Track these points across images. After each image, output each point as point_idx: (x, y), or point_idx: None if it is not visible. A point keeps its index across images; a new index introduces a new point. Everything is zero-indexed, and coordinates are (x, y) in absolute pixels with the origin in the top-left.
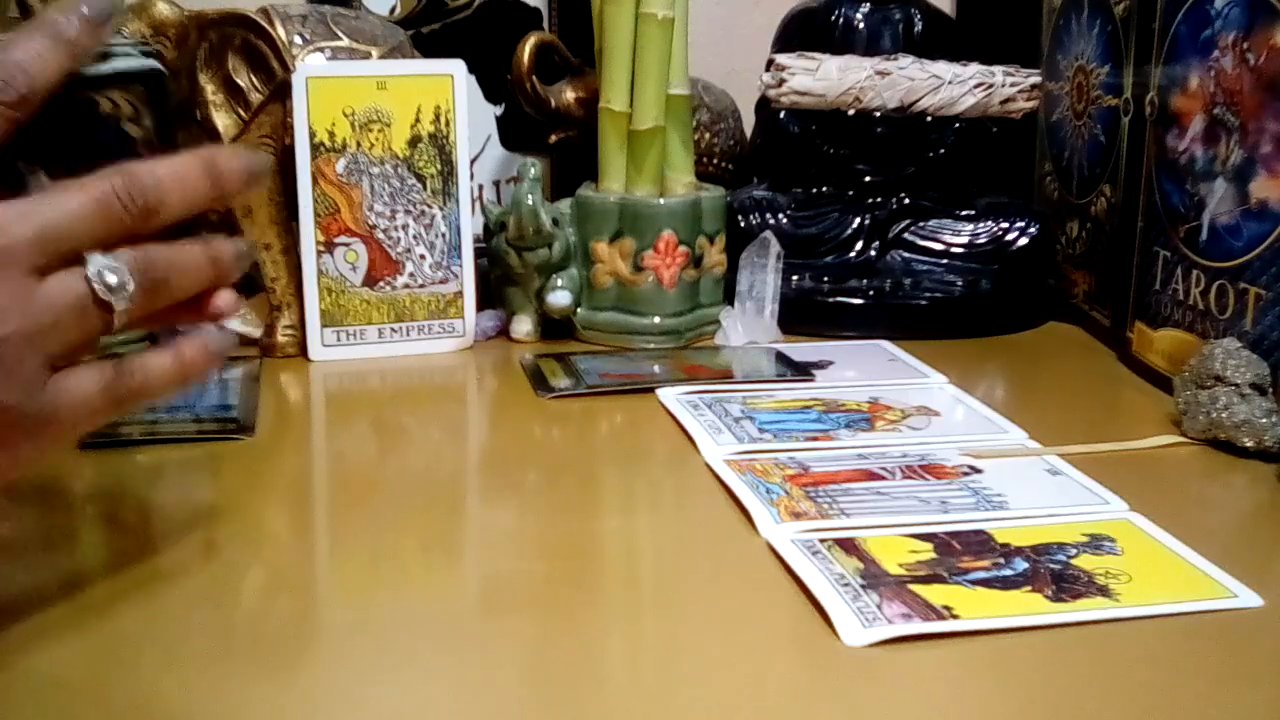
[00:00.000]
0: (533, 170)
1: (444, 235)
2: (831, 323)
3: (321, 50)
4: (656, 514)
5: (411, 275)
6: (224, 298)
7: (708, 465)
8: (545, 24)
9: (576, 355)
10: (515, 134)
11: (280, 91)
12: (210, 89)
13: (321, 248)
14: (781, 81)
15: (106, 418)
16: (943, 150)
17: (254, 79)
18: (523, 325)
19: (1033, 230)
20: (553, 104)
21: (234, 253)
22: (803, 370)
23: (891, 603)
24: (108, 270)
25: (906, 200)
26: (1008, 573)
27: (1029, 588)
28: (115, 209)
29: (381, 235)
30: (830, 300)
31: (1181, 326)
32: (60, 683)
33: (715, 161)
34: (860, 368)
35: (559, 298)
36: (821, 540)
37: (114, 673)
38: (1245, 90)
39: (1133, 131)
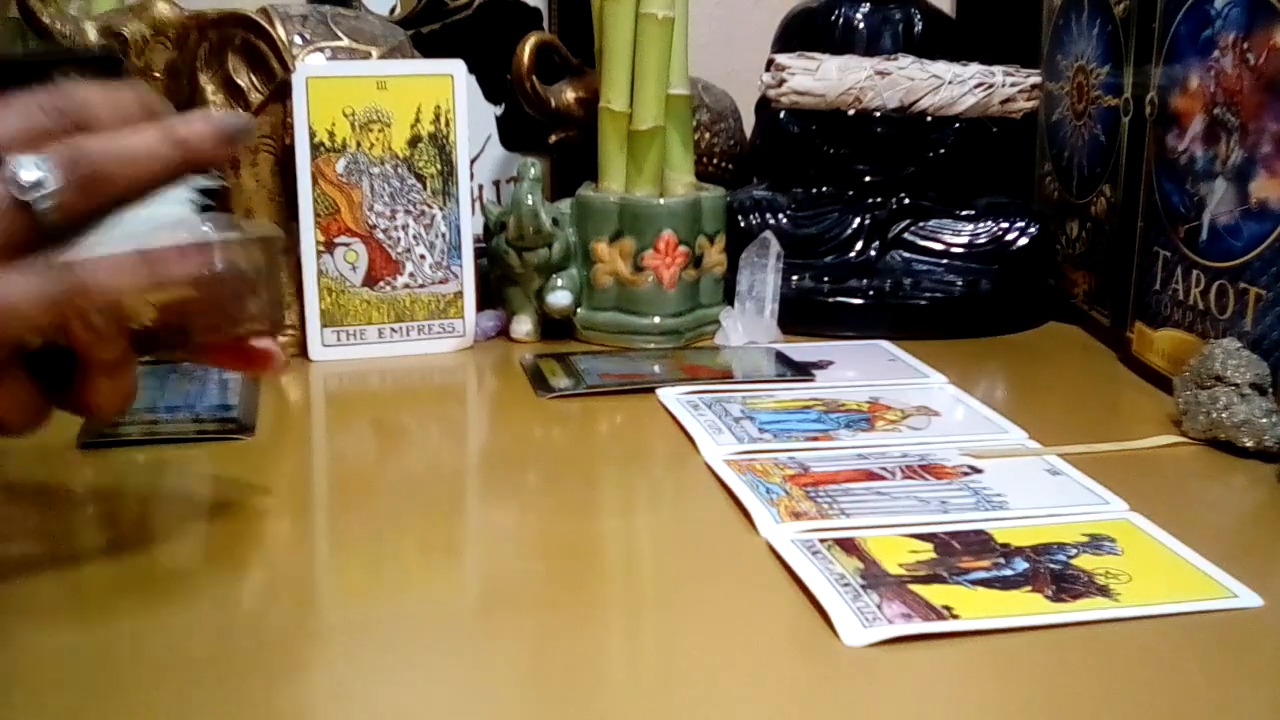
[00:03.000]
0: (533, 170)
1: (444, 235)
2: (831, 323)
3: (321, 50)
4: (656, 514)
5: (411, 275)
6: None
7: (708, 465)
8: (545, 24)
9: (576, 355)
10: (515, 134)
11: (280, 91)
12: (210, 89)
13: (321, 248)
14: (781, 81)
15: (50, 321)
16: (943, 150)
17: (254, 79)
18: (523, 325)
19: (1033, 230)
20: (553, 104)
21: (211, 130)
22: (803, 370)
23: (891, 603)
24: (24, 167)
25: (906, 200)
26: (1008, 573)
27: (1029, 588)
28: (39, 119)
29: (381, 235)
30: (830, 300)
31: (1181, 326)
32: (60, 682)
33: (715, 161)
34: (860, 368)
35: (559, 298)
36: (821, 540)
37: (114, 673)
38: (1245, 90)
39: (1133, 131)
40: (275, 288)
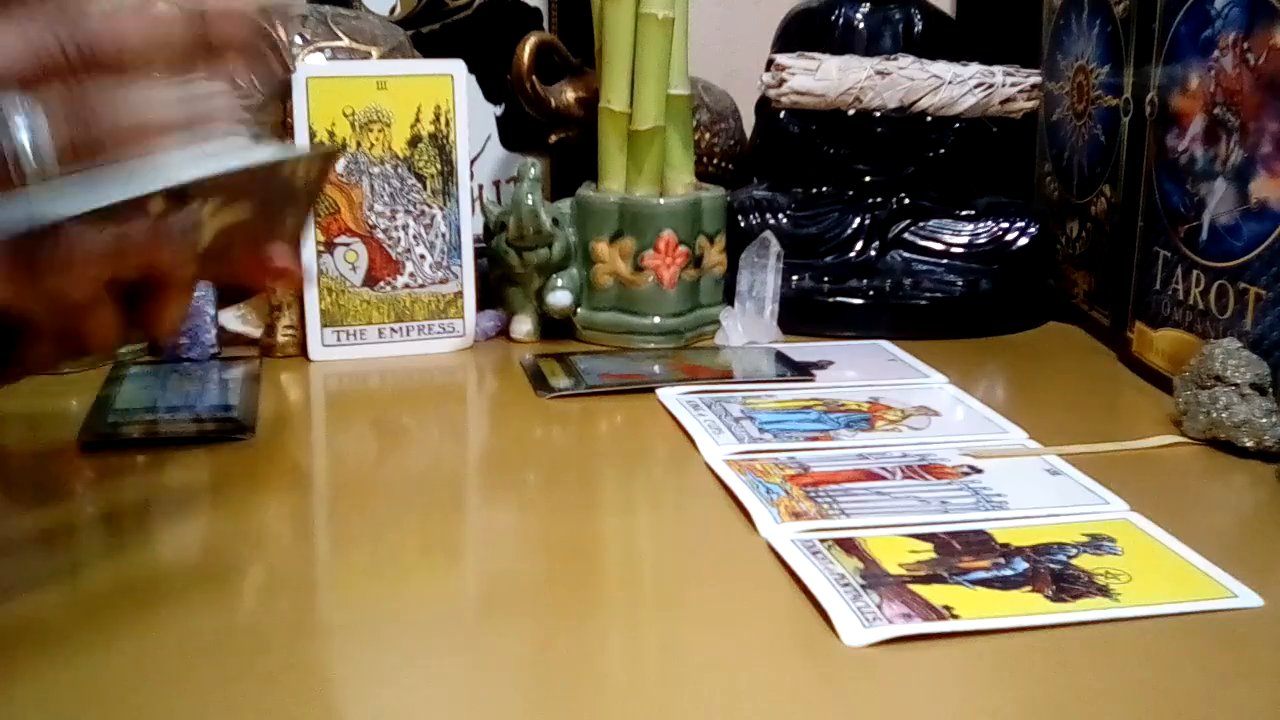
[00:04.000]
0: (533, 170)
1: (444, 235)
2: (831, 323)
3: (321, 50)
4: (656, 514)
5: (411, 275)
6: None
7: (708, 465)
8: (545, 24)
9: (576, 355)
10: (515, 134)
11: (280, 91)
12: None
13: (321, 248)
14: (781, 81)
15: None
16: (943, 150)
17: (254, 79)
18: (523, 325)
19: (1033, 230)
20: (553, 104)
21: (227, 95)
22: (803, 370)
23: (891, 603)
24: (17, 125)
25: (906, 200)
26: (1008, 573)
27: (1029, 588)
28: (46, 44)
29: (381, 235)
30: (830, 300)
31: (1181, 326)
32: (59, 682)
33: (715, 161)
34: (860, 368)
35: (559, 298)
36: (821, 540)
37: (113, 672)
38: (1245, 90)
39: (1133, 131)
40: (315, 204)
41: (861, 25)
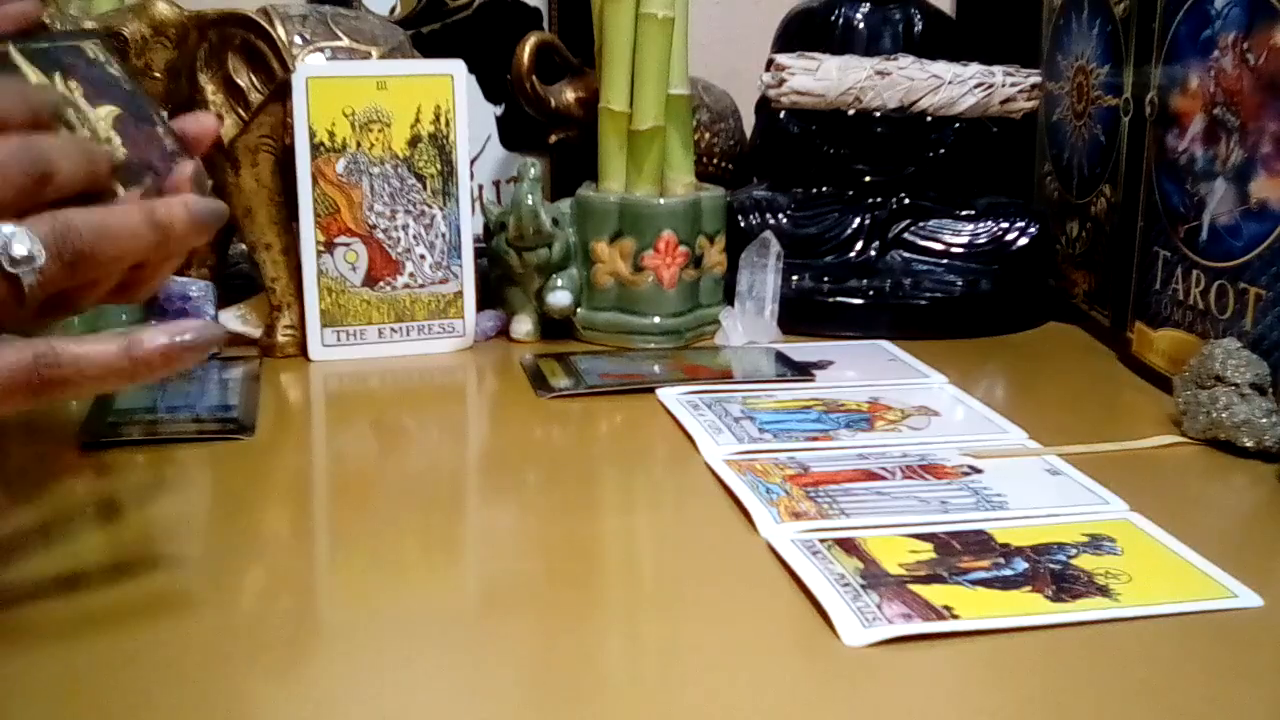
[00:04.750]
0: (533, 170)
1: (444, 235)
2: (831, 323)
3: (321, 50)
4: (656, 514)
5: (411, 275)
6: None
7: (708, 465)
8: (545, 24)
9: (576, 355)
10: (515, 134)
11: (280, 91)
12: (210, 89)
13: (321, 248)
14: (781, 81)
15: (23, 402)
16: (943, 150)
17: (254, 79)
18: (523, 325)
19: (1033, 230)
20: (553, 104)
21: (189, 218)
22: (803, 370)
23: (891, 603)
24: (14, 240)
25: (906, 200)
26: (1008, 573)
27: (1029, 588)
28: (15, 179)
29: (381, 235)
30: (830, 300)
31: (1181, 326)
32: (60, 683)
33: (715, 161)
34: (860, 368)
35: (559, 298)
36: (821, 540)
37: (114, 673)
38: (1245, 90)
39: (1133, 131)
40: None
41: (861, 25)
